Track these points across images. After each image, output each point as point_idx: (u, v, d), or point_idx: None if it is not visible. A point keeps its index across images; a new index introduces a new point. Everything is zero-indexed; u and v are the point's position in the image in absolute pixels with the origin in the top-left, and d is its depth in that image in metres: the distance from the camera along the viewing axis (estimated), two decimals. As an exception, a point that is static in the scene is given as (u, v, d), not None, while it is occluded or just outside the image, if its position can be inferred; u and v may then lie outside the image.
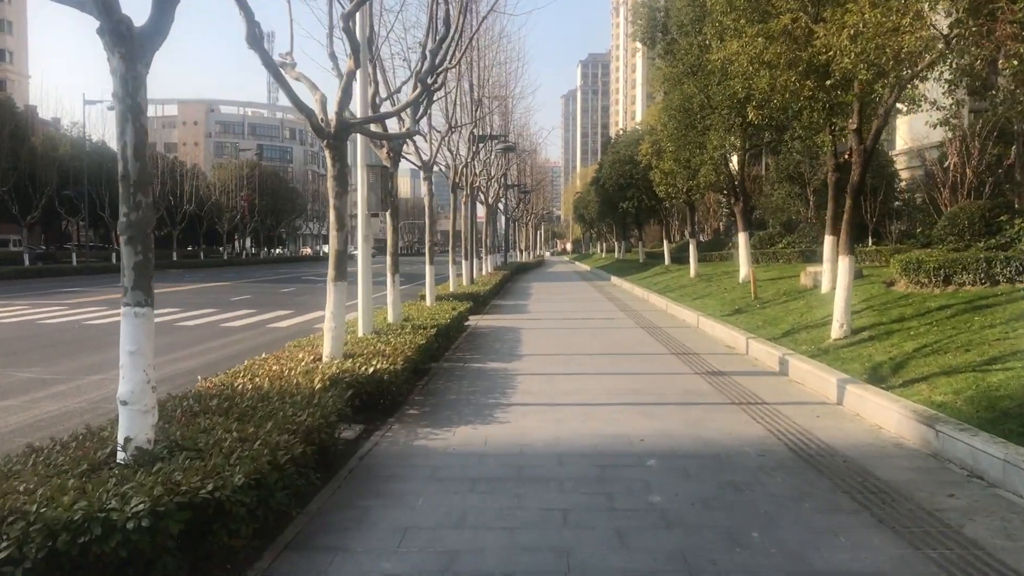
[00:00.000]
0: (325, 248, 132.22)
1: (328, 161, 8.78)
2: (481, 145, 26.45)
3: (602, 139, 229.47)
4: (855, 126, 11.64)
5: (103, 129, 59.86)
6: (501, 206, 47.35)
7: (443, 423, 8.18)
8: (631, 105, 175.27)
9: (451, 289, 21.29)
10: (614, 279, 38.09)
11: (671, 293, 24.73)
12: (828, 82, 11.30)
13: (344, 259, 8.90)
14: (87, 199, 49.76)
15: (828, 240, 16.83)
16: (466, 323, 17.67)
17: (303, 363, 8.59)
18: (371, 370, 8.10)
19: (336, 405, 6.73)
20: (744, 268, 22.14)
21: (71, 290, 32.08)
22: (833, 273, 16.77)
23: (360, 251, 11.14)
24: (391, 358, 8.89)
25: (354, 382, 7.93)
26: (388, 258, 13.02)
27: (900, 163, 32.13)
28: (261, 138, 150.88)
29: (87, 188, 49.23)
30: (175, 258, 63.81)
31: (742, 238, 22.27)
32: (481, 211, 35.45)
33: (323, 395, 6.94)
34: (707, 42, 19.88)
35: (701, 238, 70.79)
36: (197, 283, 37.93)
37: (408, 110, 11.69)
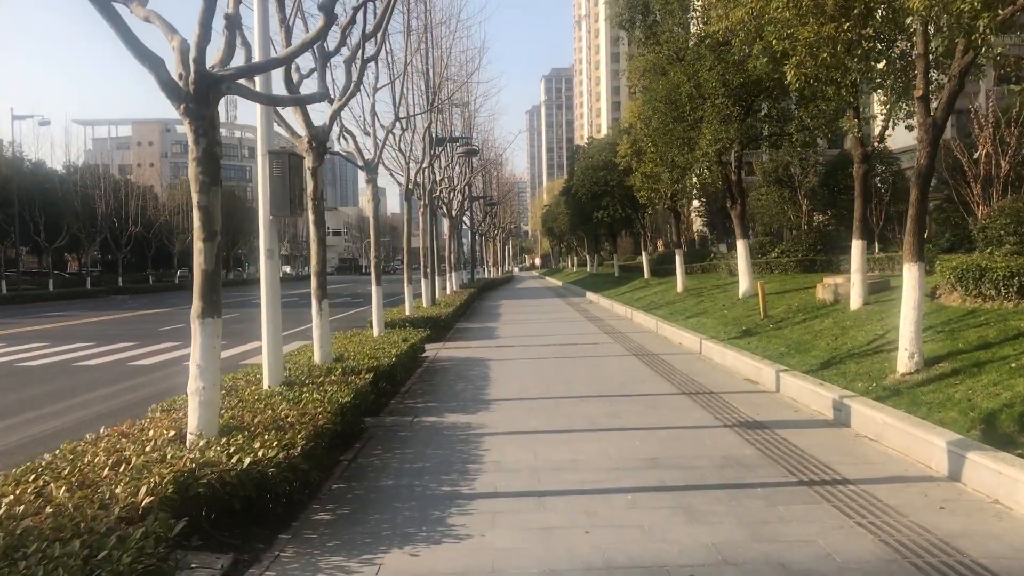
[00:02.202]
0: (287, 268, 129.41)
1: (188, 136, 5.75)
2: (440, 149, 23.49)
3: (568, 152, 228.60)
4: (920, 92, 8.84)
5: (36, 147, 55.76)
6: (467, 219, 44.38)
7: (365, 543, 5.12)
8: (596, 118, 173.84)
9: (407, 313, 18.24)
10: (590, 295, 35.21)
11: (659, 311, 21.86)
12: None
13: (215, 284, 5.85)
14: (17, 222, 45.87)
15: (856, 246, 14.07)
16: (423, 355, 14.64)
17: (153, 445, 5.54)
18: (248, 461, 5.04)
19: (151, 547, 3.71)
20: (745, 281, 19.34)
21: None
22: (863, 286, 14.02)
23: (263, 270, 8.10)
24: (291, 432, 5.84)
25: (219, 485, 4.88)
26: (313, 280, 9.96)
27: (904, 162, 29.63)
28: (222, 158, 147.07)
29: (18, 210, 45.36)
30: (120, 283, 59.84)
31: (741, 247, 19.48)
32: (444, 225, 32.47)
33: (144, 523, 3.94)
34: (698, 18, 17.19)
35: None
36: (131, 311, 34.42)
37: (324, 70, 8.67)
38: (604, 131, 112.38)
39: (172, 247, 71.52)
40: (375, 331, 14.12)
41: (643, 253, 39.51)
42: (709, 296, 22.46)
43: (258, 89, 7.76)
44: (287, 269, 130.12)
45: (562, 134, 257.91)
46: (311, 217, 9.96)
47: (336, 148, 14.22)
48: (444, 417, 9.25)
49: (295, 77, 9.72)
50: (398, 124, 17.33)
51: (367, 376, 8.56)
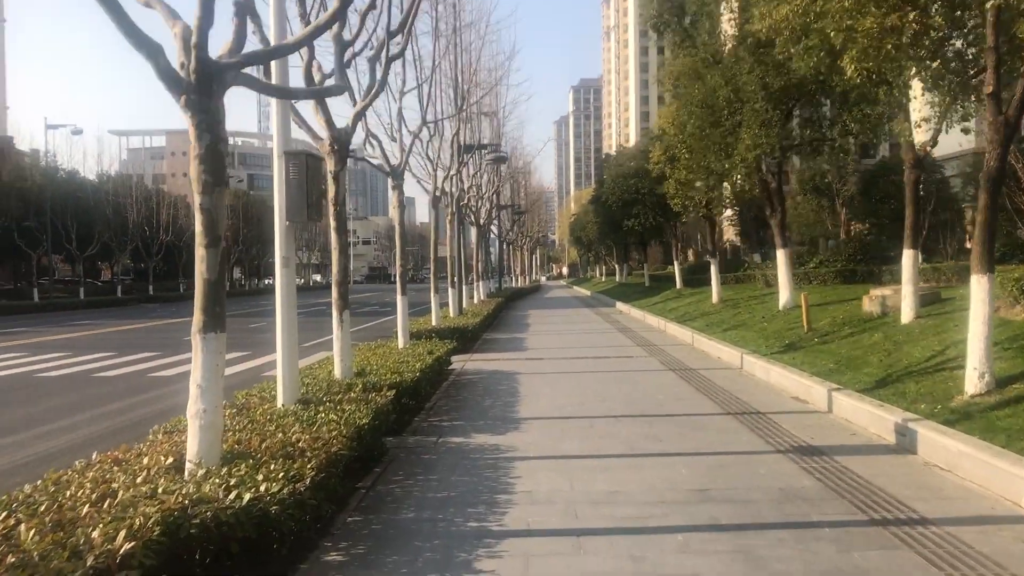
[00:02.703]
0: (317, 277, 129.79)
1: (190, 132, 5.18)
2: (468, 156, 22.94)
3: (596, 162, 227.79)
4: (991, 88, 8.08)
5: (69, 156, 56.13)
6: (494, 228, 43.83)
7: (381, 591, 4.50)
8: (624, 128, 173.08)
9: (433, 323, 17.65)
10: (620, 305, 34.45)
11: (693, 323, 21.09)
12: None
13: (219, 294, 5.26)
14: (50, 230, 46.00)
15: (907, 256, 13.24)
16: (449, 367, 14.03)
17: (146, 475, 4.96)
18: (248, 497, 4.43)
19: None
20: (786, 292, 18.52)
21: (5, 332, 28.32)
22: (915, 298, 13.20)
23: (278, 279, 7.52)
24: (300, 462, 5.22)
25: (213, 525, 4.27)
26: (334, 289, 9.38)
27: (948, 169, 28.60)
28: (251, 167, 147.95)
29: (50, 219, 45.48)
30: (151, 291, 59.97)
31: (782, 256, 18.66)
32: (472, 233, 31.91)
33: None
34: (736, 19, 16.48)
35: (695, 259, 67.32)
36: (158, 319, 34.20)
37: (341, 60, 8.10)
38: (633, 141, 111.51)
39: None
40: (400, 342, 13.53)
41: (675, 262, 38.64)
42: (747, 307, 21.66)
43: (274, 84, 7.20)
44: (317, 278, 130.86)
45: (590, 144, 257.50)
46: (332, 224, 9.40)
47: (361, 154, 13.68)
48: (471, 437, 8.61)
49: (316, 77, 9.19)
50: (425, 129, 16.79)
51: (388, 394, 7.95)
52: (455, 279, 21.72)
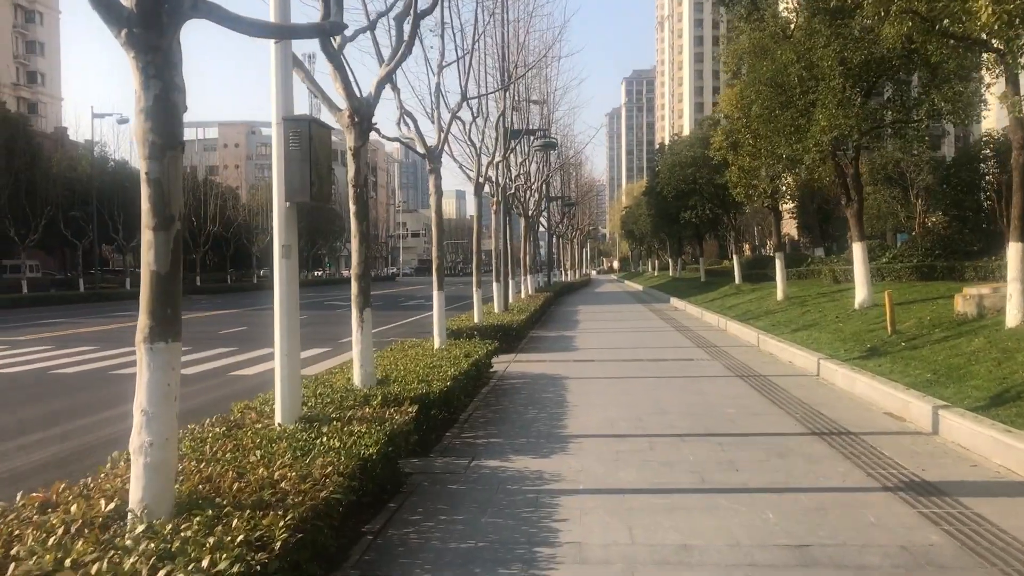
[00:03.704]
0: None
1: (134, 76, 3.91)
2: (515, 141, 21.59)
3: (648, 154, 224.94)
4: None
5: (117, 146, 56.17)
6: (543, 221, 42.41)
7: None
8: (678, 119, 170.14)
9: (475, 320, 16.35)
10: (675, 301, 32.81)
11: (757, 322, 19.47)
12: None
13: (170, 293, 3.96)
14: (95, 220, 45.84)
15: (1014, 250, 11.52)
16: (491, 370, 12.72)
17: (64, 531, 3.73)
18: (181, 579, 3.16)
19: None
20: (862, 289, 16.81)
21: (42, 322, 27.82)
22: (1022, 297, 11.48)
23: (277, 272, 6.27)
24: (272, 517, 3.92)
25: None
26: (353, 284, 8.12)
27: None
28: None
29: (95, 208, 45.30)
30: (199, 283, 59.91)
31: (858, 250, 16.93)
32: (520, 225, 30.57)
33: None
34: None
35: (750, 253, 64.91)
36: (201, 311, 33.53)
37: None
38: (687, 132, 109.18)
39: (251, 247, 71.62)
40: (436, 342, 12.26)
41: (733, 256, 36.80)
42: (815, 306, 19.95)
43: (249, 17, 5.92)
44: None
45: (642, 137, 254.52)
46: (352, 208, 8.15)
47: (396, 134, 12.41)
48: (509, 460, 7.27)
49: (336, 41, 7.91)
50: (467, 110, 15.50)
51: (410, 410, 6.63)
52: (500, 273, 20.40)
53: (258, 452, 5.27)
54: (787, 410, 9.64)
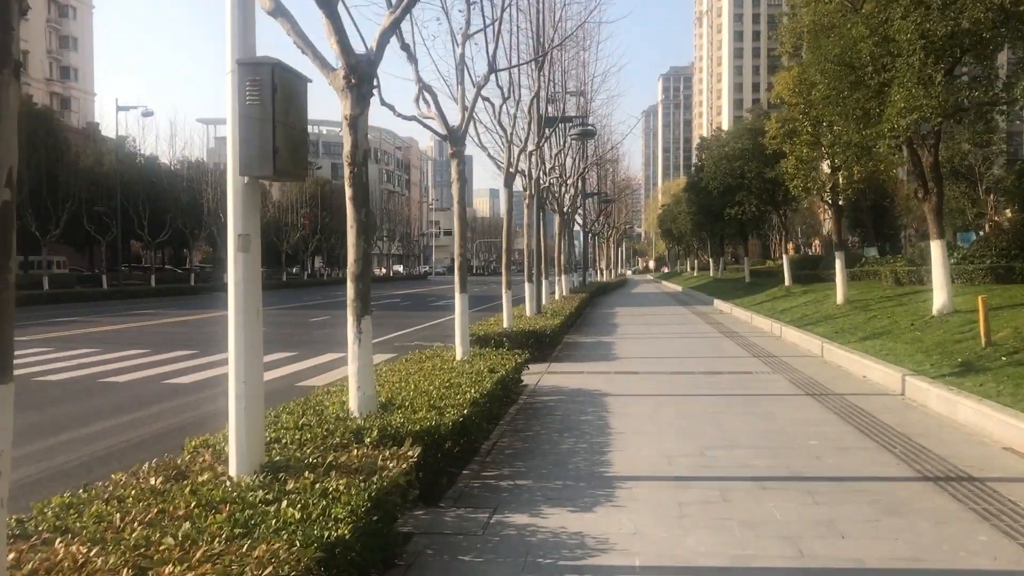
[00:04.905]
0: (399, 268, 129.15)
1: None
2: (550, 130, 19.93)
3: (685, 153, 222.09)
4: None
5: (143, 140, 55.46)
6: (579, 218, 40.65)
7: None
8: (716, 116, 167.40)
9: (505, 324, 14.72)
10: (719, 303, 30.91)
11: (816, 328, 17.61)
12: None
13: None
14: (119, 216, 44.93)
15: None
16: (521, 383, 11.08)
17: None
18: None
19: None
20: (942, 293, 14.89)
21: (53, 321, 26.73)
22: None
23: (231, 269, 4.72)
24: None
25: None
26: (349, 286, 6.53)
27: None
28: (335, 156, 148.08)
29: (118, 203, 44.39)
30: (225, 280, 58.89)
31: (937, 249, 14.99)
32: (554, 222, 28.88)
33: None
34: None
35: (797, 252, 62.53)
36: (220, 310, 32.19)
37: None
38: (726, 128, 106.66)
39: (280, 244, 70.70)
40: (458, 353, 10.65)
41: (782, 256, 34.77)
42: (882, 310, 18.04)
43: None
44: (399, 268, 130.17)
45: (679, 134, 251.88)
46: (348, 192, 6.56)
47: (413, 113, 10.81)
48: (541, 514, 5.63)
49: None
50: (496, 88, 13.87)
51: (410, 454, 5.01)
52: (532, 272, 18.76)
53: (187, 525, 3.69)
54: (880, 442, 7.89)
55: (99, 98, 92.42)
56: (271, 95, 4.45)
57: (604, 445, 7.78)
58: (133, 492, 4.23)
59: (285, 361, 15.30)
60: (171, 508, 3.96)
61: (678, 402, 10.28)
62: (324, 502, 4.01)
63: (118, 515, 3.81)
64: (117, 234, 45.42)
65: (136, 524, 3.74)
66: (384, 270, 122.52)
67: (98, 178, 46.96)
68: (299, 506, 3.94)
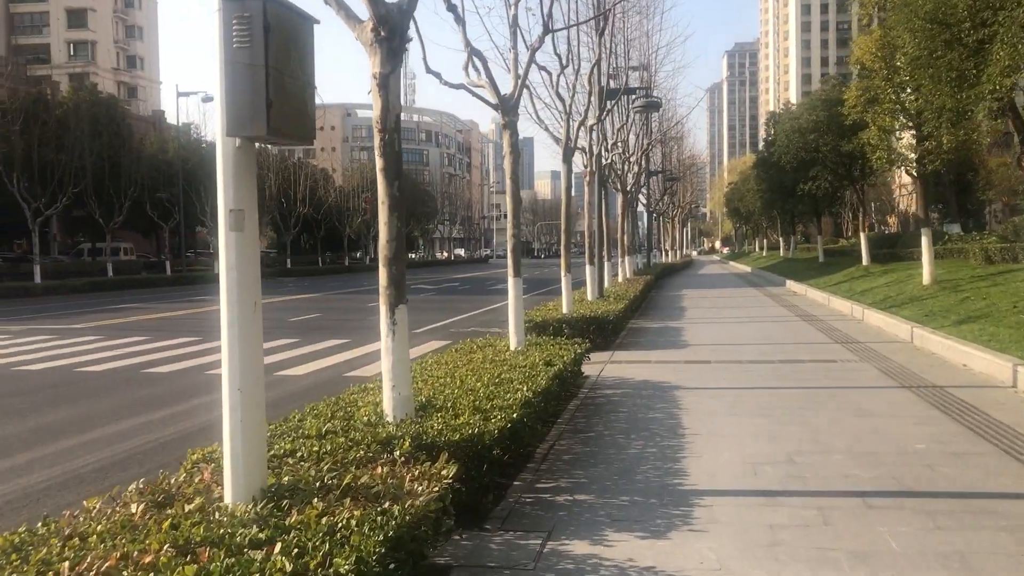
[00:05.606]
0: (460, 251, 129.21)
1: None
2: (612, 102, 18.84)
3: (751, 130, 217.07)
4: None
5: (205, 126, 55.66)
6: (642, 197, 39.34)
7: None
8: (783, 91, 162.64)
9: (564, 310, 13.79)
10: (791, 284, 29.42)
11: (902, 311, 16.23)
12: None
13: None
14: (181, 201, 45.18)
15: None
16: (581, 375, 10.16)
17: None
18: None
19: None
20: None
21: (114, 307, 26.74)
22: None
23: (223, 252, 3.89)
24: None
25: None
26: (381, 271, 5.69)
27: None
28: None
29: (180, 189, 44.62)
30: (288, 265, 59.17)
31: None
32: (617, 201, 27.75)
33: None
34: None
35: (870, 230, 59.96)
36: (282, 295, 32.01)
37: None
38: (794, 103, 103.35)
39: (343, 229, 70.80)
40: (512, 342, 9.76)
41: (860, 234, 32.97)
42: (975, 291, 16.56)
43: None
44: (460, 252, 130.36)
45: (744, 112, 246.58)
46: (379, 163, 5.70)
47: (462, 81, 9.90)
48: (604, 541, 4.72)
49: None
50: (553, 56, 12.87)
51: (446, 473, 4.16)
52: (593, 254, 17.74)
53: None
54: (999, 445, 6.76)
55: (164, 86, 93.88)
56: (263, 36, 3.60)
57: (677, 449, 6.81)
58: (100, 527, 3.45)
59: (336, 349, 14.66)
60: (137, 552, 3.16)
61: (757, 396, 9.23)
62: (327, 546, 3.17)
63: (66, 565, 3.02)
64: (180, 220, 45.73)
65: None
66: (445, 254, 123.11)
67: (161, 165, 47.33)
68: (295, 551, 3.11)
